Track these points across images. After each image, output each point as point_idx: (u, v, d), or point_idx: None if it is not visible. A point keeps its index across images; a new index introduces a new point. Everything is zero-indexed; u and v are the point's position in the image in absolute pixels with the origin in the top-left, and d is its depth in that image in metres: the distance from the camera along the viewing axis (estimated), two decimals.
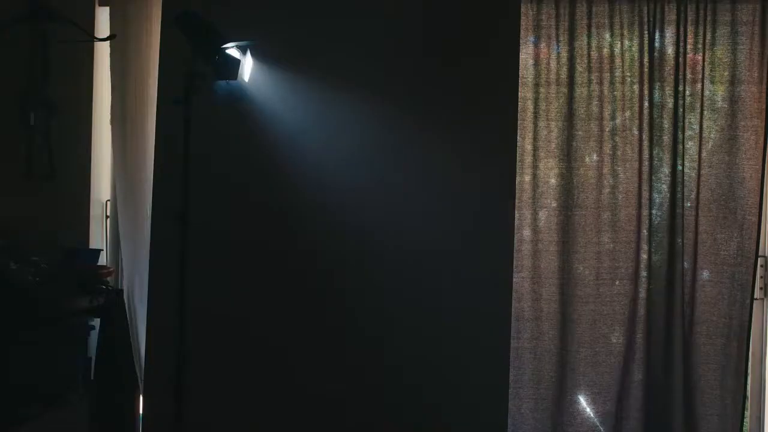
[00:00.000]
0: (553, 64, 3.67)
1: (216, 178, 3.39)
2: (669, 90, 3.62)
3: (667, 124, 3.63)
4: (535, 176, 3.68)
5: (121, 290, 3.73)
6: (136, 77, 3.76)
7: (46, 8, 3.62)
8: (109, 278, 3.71)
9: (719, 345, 3.59)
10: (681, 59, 3.61)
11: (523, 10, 3.61)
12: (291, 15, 3.47)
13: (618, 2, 3.63)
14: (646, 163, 3.62)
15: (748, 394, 3.64)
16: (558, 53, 3.68)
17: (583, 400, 3.69)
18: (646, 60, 3.63)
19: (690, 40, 3.61)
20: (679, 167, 3.61)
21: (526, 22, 3.65)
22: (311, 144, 3.44)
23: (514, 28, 3.55)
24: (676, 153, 3.62)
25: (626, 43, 3.65)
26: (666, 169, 3.64)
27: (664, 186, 3.64)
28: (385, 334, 3.46)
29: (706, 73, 3.61)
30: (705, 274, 3.62)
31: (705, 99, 3.61)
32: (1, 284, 3.14)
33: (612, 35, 3.66)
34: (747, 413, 3.66)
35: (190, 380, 2.83)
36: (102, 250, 3.83)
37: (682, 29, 3.60)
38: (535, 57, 3.68)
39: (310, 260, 3.47)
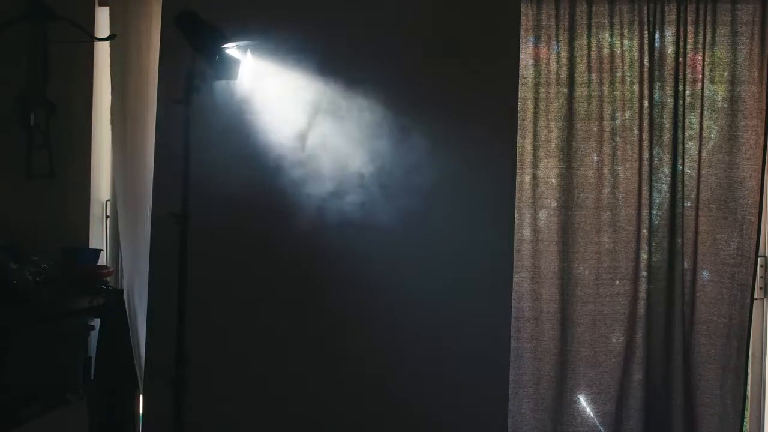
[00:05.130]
0: (553, 64, 3.67)
1: (216, 178, 3.39)
2: (669, 90, 3.63)
3: (667, 124, 3.63)
4: (535, 176, 3.68)
5: (121, 290, 3.73)
6: (136, 77, 3.75)
7: (45, 8, 3.62)
8: (109, 278, 3.70)
9: (719, 345, 3.59)
10: (681, 59, 3.61)
11: (523, 10, 3.62)
12: (291, 14, 3.47)
13: (618, 2, 3.64)
14: (646, 162, 3.63)
15: (748, 394, 3.64)
16: (558, 53, 3.68)
17: (583, 400, 3.69)
18: (646, 60, 3.63)
19: (690, 40, 3.61)
20: (679, 167, 3.62)
21: (526, 22, 3.65)
22: (311, 144, 3.44)
23: (514, 28, 3.55)
24: (676, 153, 3.62)
25: (626, 43, 3.65)
26: (666, 169, 3.64)
27: (664, 186, 3.65)
28: (385, 333, 3.45)
29: (706, 73, 3.61)
30: (705, 274, 3.63)
31: (705, 99, 3.61)
32: (1, 284, 3.14)
33: (612, 35, 3.66)
34: (747, 413, 3.66)
35: (190, 380, 2.83)
36: (102, 250, 3.83)
37: (682, 29, 3.61)
38: (535, 57, 3.68)
39: (310, 260, 3.47)
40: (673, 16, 3.61)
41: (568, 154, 3.67)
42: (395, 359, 3.45)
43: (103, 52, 3.84)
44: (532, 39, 3.68)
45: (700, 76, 3.62)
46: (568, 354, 3.66)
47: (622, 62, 3.65)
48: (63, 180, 3.78)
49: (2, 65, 3.71)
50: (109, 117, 3.81)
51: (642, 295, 3.64)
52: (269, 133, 3.43)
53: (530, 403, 3.69)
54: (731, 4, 3.58)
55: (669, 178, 3.64)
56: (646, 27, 3.63)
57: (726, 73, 3.61)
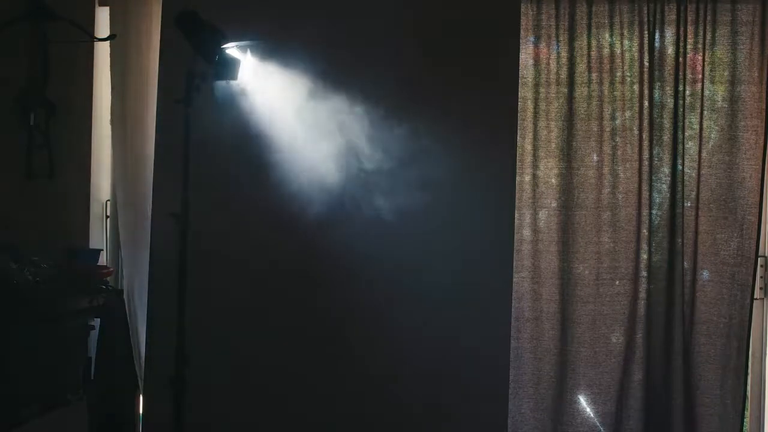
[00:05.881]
0: (553, 64, 3.67)
1: (216, 178, 3.39)
2: (669, 90, 3.63)
3: (667, 124, 3.63)
4: (535, 176, 3.68)
5: (121, 290, 3.73)
6: (136, 77, 3.76)
7: (45, 8, 3.62)
8: (109, 278, 3.70)
9: (719, 345, 3.59)
10: (681, 59, 3.61)
11: (523, 10, 3.62)
12: (291, 15, 3.47)
13: (618, 2, 3.64)
14: (646, 162, 3.63)
15: (748, 394, 3.64)
16: (558, 53, 3.68)
17: (583, 400, 3.69)
18: (646, 60, 3.63)
19: (690, 40, 3.61)
20: (679, 167, 3.62)
21: (526, 22, 3.65)
22: (310, 143, 3.44)
23: (514, 28, 3.55)
24: (676, 153, 3.62)
25: (626, 43, 3.65)
26: (666, 169, 3.64)
27: (664, 186, 3.65)
28: (385, 333, 3.46)
29: (706, 73, 3.61)
30: (705, 274, 3.63)
31: (705, 99, 3.62)
32: (1, 284, 3.13)
33: (612, 35, 3.66)
34: (747, 413, 3.66)
35: (190, 380, 2.83)
36: (102, 250, 3.83)
37: (682, 29, 3.61)
38: (535, 57, 3.68)
39: (310, 260, 3.47)
40: (673, 16, 3.61)
41: (568, 154, 3.67)
42: (395, 359, 3.46)
43: (103, 52, 3.84)
44: (532, 39, 3.68)
45: (700, 76, 3.62)
46: (568, 354, 3.66)
47: (622, 62, 3.65)
48: (63, 180, 3.77)
49: (2, 65, 3.71)
50: (109, 117, 3.81)
51: (642, 295, 3.64)
52: (269, 132, 3.42)
53: (530, 403, 3.69)
54: (731, 4, 3.58)
55: (669, 178, 3.64)
56: (646, 27, 3.63)
57: (726, 73, 3.61)
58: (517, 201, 3.61)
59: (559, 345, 3.67)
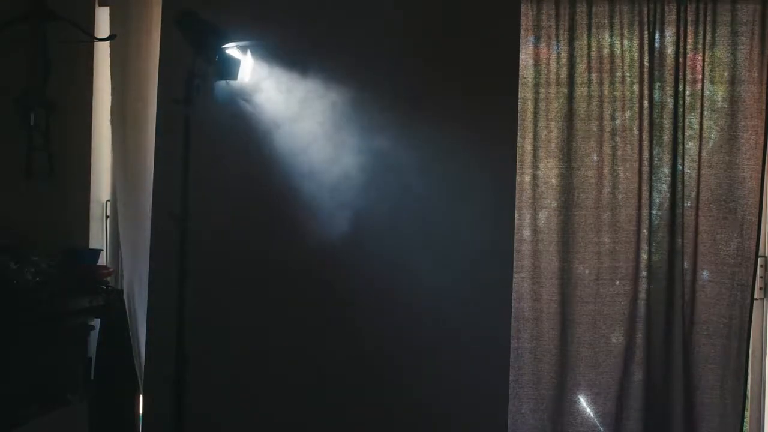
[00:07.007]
0: (553, 64, 3.67)
1: (216, 178, 3.39)
2: (669, 90, 3.63)
3: (667, 124, 3.63)
4: (535, 176, 3.68)
5: (121, 290, 3.73)
6: (136, 77, 3.75)
7: (45, 8, 3.62)
8: (109, 278, 3.70)
9: (719, 345, 3.59)
10: (681, 59, 3.61)
11: (523, 10, 3.62)
12: (291, 15, 3.47)
13: (618, 2, 3.64)
14: (646, 163, 3.63)
15: (748, 394, 3.64)
16: (558, 53, 3.68)
17: (583, 400, 3.69)
18: (646, 60, 3.63)
19: (690, 40, 3.61)
20: (679, 167, 3.62)
21: (526, 22, 3.65)
22: (310, 144, 3.44)
23: (514, 28, 3.55)
24: (676, 153, 3.62)
25: (626, 43, 3.65)
26: (666, 169, 3.64)
27: (664, 186, 3.65)
28: (385, 334, 3.45)
29: (706, 73, 3.62)
30: (705, 274, 3.63)
31: (705, 99, 3.62)
32: (1, 284, 3.14)
33: (612, 35, 3.66)
34: (747, 413, 3.66)
35: (189, 380, 2.83)
36: (102, 250, 3.83)
37: (682, 29, 3.61)
38: (535, 57, 3.68)
39: (310, 259, 3.47)
40: (673, 16, 3.61)
41: (568, 154, 3.67)
42: (395, 359, 3.45)
43: (103, 52, 3.84)
44: (532, 39, 3.68)
45: (700, 76, 3.62)
46: (568, 354, 3.66)
47: (622, 62, 3.65)
48: (63, 180, 3.78)
49: (2, 65, 3.71)
50: (109, 117, 3.81)
51: (642, 295, 3.64)
52: (269, 132, 3.43)
53: (530, 403, 3.69)
54: (731, 4, 3.58)
55: (669, 178, 3.64)
56: (646, 27, 3.63)
57: (726, 73, 3.61)
58: (517, 201, 3.61)
59: (559, 345, 3.67)
